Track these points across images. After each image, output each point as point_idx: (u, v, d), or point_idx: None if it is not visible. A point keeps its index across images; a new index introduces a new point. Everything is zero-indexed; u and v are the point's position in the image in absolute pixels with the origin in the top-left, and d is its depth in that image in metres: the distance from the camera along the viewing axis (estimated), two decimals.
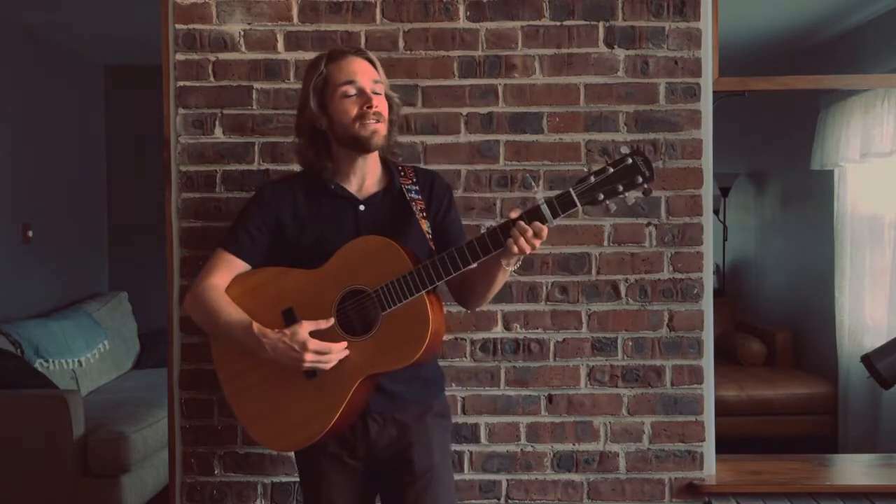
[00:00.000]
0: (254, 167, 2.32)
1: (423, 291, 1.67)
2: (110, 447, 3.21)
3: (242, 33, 2.31)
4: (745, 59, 4.94)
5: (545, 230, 1.62)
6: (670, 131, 2.32)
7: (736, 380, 4.58)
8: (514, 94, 2.32)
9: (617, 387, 2.35)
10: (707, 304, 2.36)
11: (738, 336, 5.16)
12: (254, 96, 2.32)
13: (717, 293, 5.59)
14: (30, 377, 3.34)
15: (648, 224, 2.33)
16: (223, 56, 2.31)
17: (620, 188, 1.59)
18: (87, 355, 4.05)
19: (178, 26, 2.31)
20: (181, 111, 2.32)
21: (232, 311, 1.75)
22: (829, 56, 4.58)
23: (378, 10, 2.31)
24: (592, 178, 1.59)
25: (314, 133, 1.81)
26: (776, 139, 5.31)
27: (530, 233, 1.61)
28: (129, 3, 3.70)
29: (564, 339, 2.34)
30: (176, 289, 2.33)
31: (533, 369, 2.34)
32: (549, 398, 2.35)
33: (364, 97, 1.76)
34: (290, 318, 1.73)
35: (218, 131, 2.32)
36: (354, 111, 1.75)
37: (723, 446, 2.45)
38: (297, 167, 2.32)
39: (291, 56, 2.31)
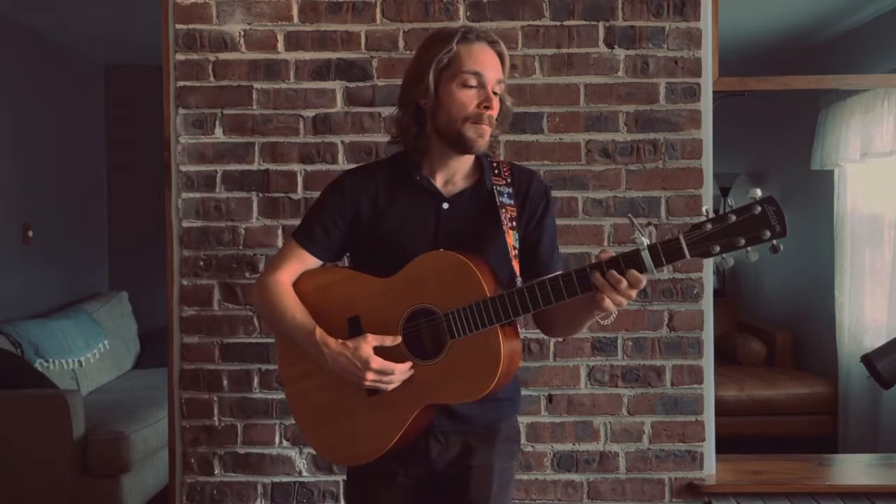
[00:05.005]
0: (254, 167, 2.32)
1: (497, 325, 1.48)
2: (110, 447, 3.20)
3: (242, 33, 2.31)
4: (745, 59, 4.94)
5: (643, 282, 1.38)
6: (670, 131, 2.32)
7: (736, 380, 4.57)
8: (514, 94, 2.30)
9: (617, 387, 2.34)
10: (707, 304, 2.36)
11: (738, 336, 5.15)
12: (254, 96, 2.32)
13: (717, 293, 5.58)
14: (30, 377, 3.33)
15: (648, 224, 2.33)
16: (223, 56, 2.31)
17: (742, 242, 1.36)
18: (87, 355, 4.05)
19: (178, 26, 2.31)
20: (181, 111, 2.32)
21: (297, 313, 1.61)
22: (829, 56, 4.57)
23: (378, 10, 2.31)
24: (709, 227, 1.35)
25: (417, 109, 1.60)
26: (776, 139, 5.31)
27: (624, 284, 1.37)
28: (129, 3, 3.70)
29: (564, 339, 2.34)
30: (176, 289, 2.33)
31: (533, 369, 2.34)
32: (549, 398, 2.35)
33: (484, 95, 1.55)
34: (355, 328, 1.59)
35: (218, 131, 2.32)
36: (470, 107, 1.54)
37: (723, 446, 2.46)
38: (297, 167, 2.32)
39: (291, 56, 2.31)
